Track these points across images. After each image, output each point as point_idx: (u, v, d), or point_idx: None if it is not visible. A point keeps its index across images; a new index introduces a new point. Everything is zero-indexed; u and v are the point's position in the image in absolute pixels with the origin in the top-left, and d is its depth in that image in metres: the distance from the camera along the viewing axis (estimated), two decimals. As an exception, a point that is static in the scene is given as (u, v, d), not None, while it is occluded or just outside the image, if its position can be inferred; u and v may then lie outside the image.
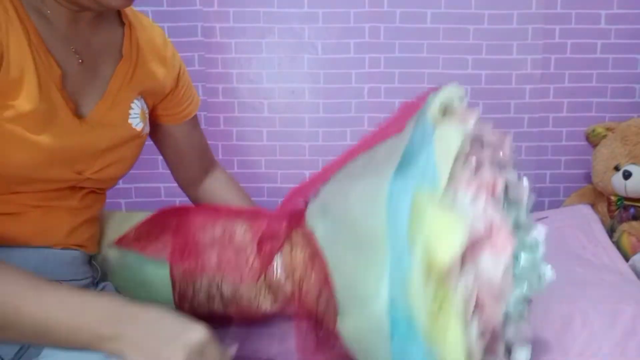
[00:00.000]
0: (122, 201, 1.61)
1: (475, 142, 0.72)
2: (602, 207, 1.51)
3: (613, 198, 1.47)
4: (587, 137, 1.56)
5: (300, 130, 1.59)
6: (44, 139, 0.71)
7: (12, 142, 0.69)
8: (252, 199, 1.66)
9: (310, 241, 0.76)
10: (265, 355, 0.96)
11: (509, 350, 0.74)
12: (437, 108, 0.73)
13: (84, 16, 0.77)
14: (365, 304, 0.67)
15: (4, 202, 0.73)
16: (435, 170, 0.65)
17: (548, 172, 1.61)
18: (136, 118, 0.85)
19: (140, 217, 0.92)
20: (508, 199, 0.76)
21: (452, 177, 0.66)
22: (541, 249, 0.77)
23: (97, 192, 0.87)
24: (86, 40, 0.78)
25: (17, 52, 0.69)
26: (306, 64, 1.56)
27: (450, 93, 0.76)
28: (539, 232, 0.78)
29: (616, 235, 1.41)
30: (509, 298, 0.69)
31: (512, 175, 0.75)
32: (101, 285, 0.89)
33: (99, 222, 0.92)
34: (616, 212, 1.47)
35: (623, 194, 1.44)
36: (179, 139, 1.01)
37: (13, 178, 0.72)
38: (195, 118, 1.03)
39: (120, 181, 1.57)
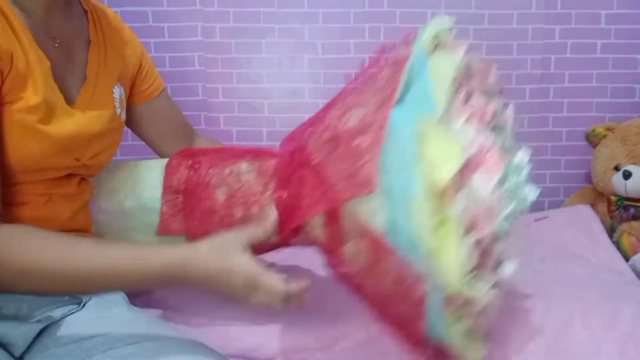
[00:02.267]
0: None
1: (465, 71, 0.74)
2: (602, 207, 1.51)
3: (613, 198, 1.47)
4: (587, 137, 1.56)
5: (300, 130, 1.59)
6: (50, 128, 0.75)
7: (25, 133, 0.73)
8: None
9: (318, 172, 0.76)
10: (265, 355, 0.96)
11: (498, 265, 0.77)
12: (429, 39, 0.75)
13: (58, 3, 0.80)
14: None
15: (13, 192, 0.76)
16: (432, 97, 0.68)
17: (548, 172, 1.60)
18: (117, 102, 0.89)
19: (131, 166, 0.94)
20: (494, 125, 0.78)
21: (446, 104, 0.70)
22: (525, 171, 0.80)
23: (87, 179, 0.90)
24: (60, 27, 0.81)
25: (18, 48, 0.72)
26: (306, 64, 1.56)
27: (440, 24, 0.77)
28: (524, 154, 0.82)
29: (616, 235, 1.41)
30: (499, 216, 0.72)
31: (498, 102, 0.78)
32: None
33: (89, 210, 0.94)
34: (616, 212, 1.47)
35: (623, 194, 1.44)
36: (159, 112, 1.03)
37: (24, 168, 0.75)
38: (162, 95, 1.05)
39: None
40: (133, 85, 0.98)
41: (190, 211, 0.88)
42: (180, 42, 1.54)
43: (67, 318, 0.81)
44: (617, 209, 1.47)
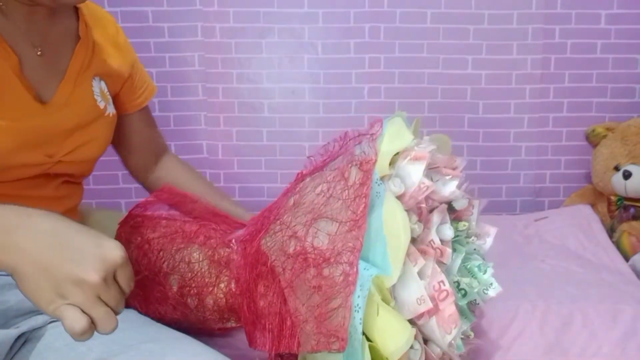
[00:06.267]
0: (122, 201, 1.61)
1: (423, 191, 0.74)
2: (602, 207, 1.51)
3: (613, 198, 1.47)
4: (587, 137, 1.56)
5: (300, 130, 1.59)
6: (6, 123, 0.72)
7: None
8: (252, 199, 1.66)
9: (278, 281, 0.77)
10: (267, 355, 0.96)
11: None
12: (387, 159, 0.75)
13: (40, 10, 0.78)
14: None
15: None
16: (389, 264, 0.69)
17: (548, 172, 1.61)
18: (97, 96, 0.85)
19: (115, 216, 0.95)
20: (459, 222, 0.81)
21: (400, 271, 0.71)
22: (490, 271, 0.83)
23: (72, 181, 0.86)
24: (44, 32, 0.80)
25: None
26: (306, 64, 1.56)
27: (400, 142, 0.76)
28: (487, 242, 0.84)
29: (616, 235, 1.41)
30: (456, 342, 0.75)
31: (461, 201, 0.79)
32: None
33: (79, 217, 0.92)
34: (616, 212, 1.47)
35: (623, 194, 1.44)
36: (131, 128, 1.00)
37: None
38: (148, 107, 1.02)
39: (120, 180, 1.59)
40: (122, 93, 0.96)
41: (145, 298, 0.89)
42: (180, 42, 1.54)
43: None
44: (617, 209, 1.47)
